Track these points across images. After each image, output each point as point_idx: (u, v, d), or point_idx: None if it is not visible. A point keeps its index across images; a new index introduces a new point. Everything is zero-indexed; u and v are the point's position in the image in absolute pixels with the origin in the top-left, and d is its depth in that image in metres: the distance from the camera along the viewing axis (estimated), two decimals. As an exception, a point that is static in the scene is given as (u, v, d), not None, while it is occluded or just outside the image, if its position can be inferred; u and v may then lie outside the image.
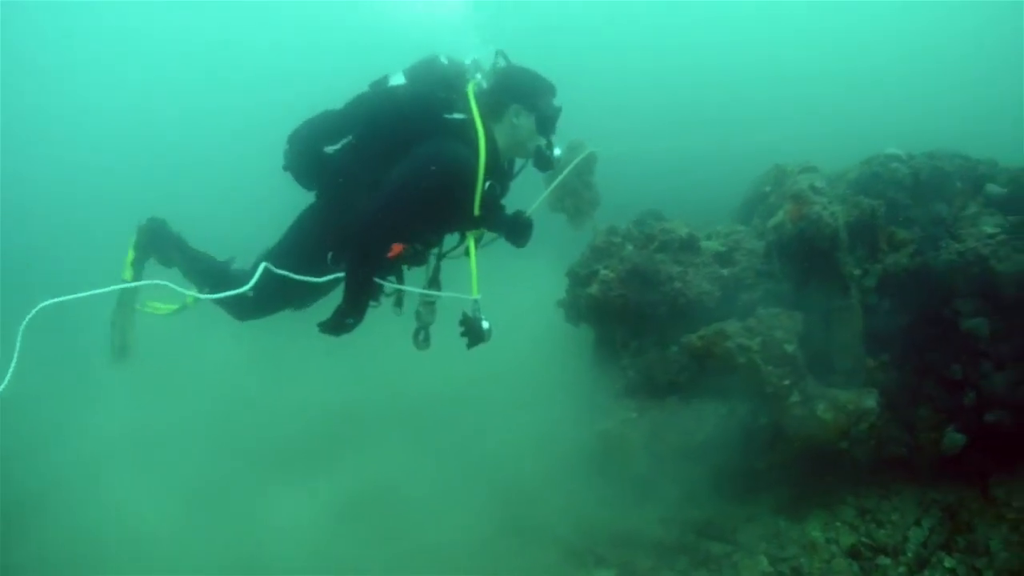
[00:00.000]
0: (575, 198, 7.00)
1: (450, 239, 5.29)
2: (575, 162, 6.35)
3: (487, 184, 4.69)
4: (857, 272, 7.37)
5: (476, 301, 4.94)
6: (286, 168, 5.17)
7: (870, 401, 6.79)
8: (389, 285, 5.10)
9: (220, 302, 5.09)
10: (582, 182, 6.08)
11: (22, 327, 3.80)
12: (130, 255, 5.71)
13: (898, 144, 7.95)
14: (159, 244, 5.71)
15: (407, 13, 5.55)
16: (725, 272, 7.14)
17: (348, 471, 7.20)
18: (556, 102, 5.18)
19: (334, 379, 8.30)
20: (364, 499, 7.08)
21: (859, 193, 7.73)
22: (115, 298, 5.67)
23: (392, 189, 4.60)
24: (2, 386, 3.74)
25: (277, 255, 5.16)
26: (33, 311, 3.87)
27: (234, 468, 7.27)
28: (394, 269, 5.14)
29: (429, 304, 5.38)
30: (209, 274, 5.43)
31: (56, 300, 3.93)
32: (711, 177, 8.77)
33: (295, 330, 5.47)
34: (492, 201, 4.83)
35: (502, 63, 5.19)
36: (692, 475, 7.11)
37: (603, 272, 6.94)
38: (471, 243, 4.95)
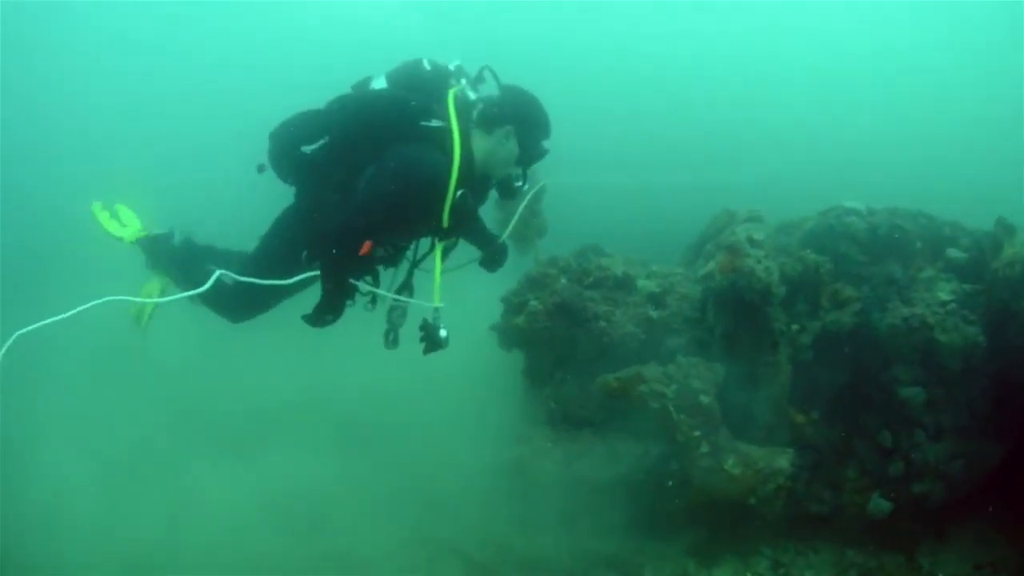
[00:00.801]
0: (521, 225, 5.93)
1: (425, 245, 4.81)
2: (533, 190, 5.29)
3: (459, 193, 4.20)
4: (795, 327, 6.27)
5: (437, 309, 4.49)
6: (270, 164, 4.74)
7: (783, 461, 5.81)
8: (363, 286, 4.65)
9: (211, 307, 4.88)
10: (529, 210, 5.09)
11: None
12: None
13: (863, 195, 6.61)
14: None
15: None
16: (654, 315, 6.24)
17: (278, 464, 6.81)
18: (546, 144, 4.67)
19: (282, 373, 7.61)
20: (288, 493, 6.68)
21: (813, 245, 6.76)
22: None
23: (363, 193, 4.22)
24: None
25: (257, 255, 4.92)
26: (10, 340, 3.57)
27: (167, 447, 6.96)
28: (369, 269, 4.72)
29: (400, 308, 4.90)
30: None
31: (32, 327, 3.63)
32: (680, 211, 7.48)
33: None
34: (463, 211, 4.34)
35: (492, 76, 4.64)
36: (605, 509, 6.46)
37: (532, 303, 6.37)
38: (438, 252, 4.48)
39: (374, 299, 4.85)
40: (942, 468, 6.55)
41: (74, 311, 3.80)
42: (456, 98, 4.44)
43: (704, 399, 6.18)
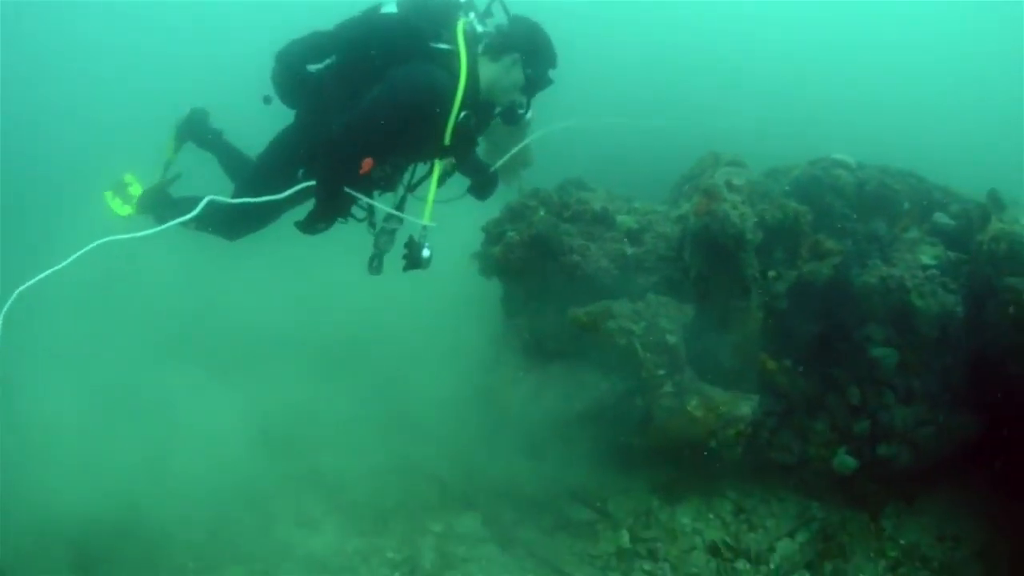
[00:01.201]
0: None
1: (420, 171, 4.91)
2: (538, 134, 5.42)
3: (462, 114, 4.27)
4: (772, 274, 6.17)
5: (425, 228, 4.56)
6: (273, 84, 4.81)
7: (745, 407, 5.85)
8: (362, 200, 4.70)
9: (207, 223, 4.75)
10: (514, 141, 5.17)
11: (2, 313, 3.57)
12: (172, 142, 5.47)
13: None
14: (198, 129, 5.45)
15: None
16: (630, 251, 6.25)
17: (260, 388, 6.95)
18: (552, 74, 4.77)
19: (267, 299, 7.71)
20: (269, 416, 6.88)
21: (798, 194, 6.77)
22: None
23: (367, 103, 4.26)
24: None
25: (253, 172, 4.98)
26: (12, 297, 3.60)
27: (153, 374, 6.98)
28: (365, 188, 4.70)
29: (389, 233, 4.94)
30: (240, 174, 5.13)
31: (33, 281, 3.66)
32: (675, 152, 7.44)
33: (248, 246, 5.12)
34: (465, 132, 4.42)
35: (499, 9, 4.74)
36: (572, 440, 6.54)
37: (510, 234, 6.31)
38: (436, 171, 4.53)
39: (372, 218, 4.93)
40: (910, 433, 6.48)
41: (72, 258, 3.83)
42: (465, 27, 4.55)
43: (671, 339, 6.21)
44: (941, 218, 6.97)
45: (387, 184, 4.82)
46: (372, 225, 4.93)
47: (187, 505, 6.12)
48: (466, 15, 4.70)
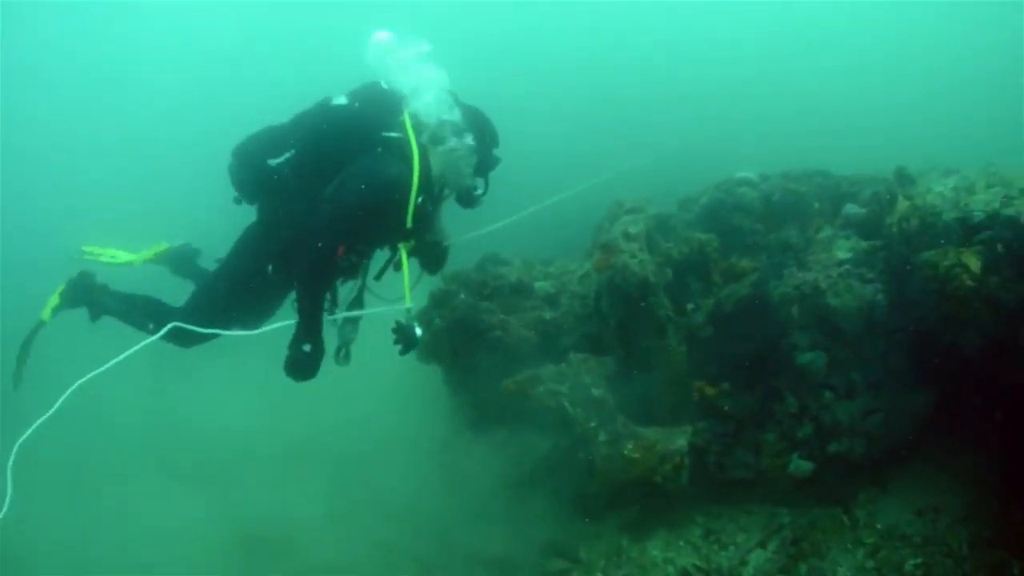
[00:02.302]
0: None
1: (377, 258, 5.04)
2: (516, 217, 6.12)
3: (419, 199, 4.43)
4: (691, 306, 6.13)
5: (409, 309, 4.62)
6: (232, 180, 4.89)
7: (680, 440, 5.89)
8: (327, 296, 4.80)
9: (163, 335, 4.68)
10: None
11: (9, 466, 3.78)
12: (54, 300, 5.30)
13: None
14: (87, 292, 5.30)
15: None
16: (548, 316, 6.19)
17: (239, 494, 7.15)
18: (496, 153, 4.88)
19: (229, 404, 7.81)
20: (253, 519, 6.97)
21: (708, 219, 6.64)
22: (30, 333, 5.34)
23: (335, 201, 4.42)
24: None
25: (220, 277, 5.04)
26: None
27: (132, 488, 7.21)
28: (331, 283, 4.84)
29: (352, 322, 5.08)
30: (150, 311, 5.04)
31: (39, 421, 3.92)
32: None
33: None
34: (423, 215, 4.57)
35: (450, 99, 4.82)
36: (534, 498, 6.59)
37: (436, 322, 6.29)
38: (404, 254, 4.63)
39: (333, 307, 4.97)
40: (858, 425, 6.35)
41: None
42: (411, 117, 4.69)
43: (596, 391, 6.22)
44: (851, 209, 6.78)
45: (352, 273, 4.94)
46: (332, 311, 4.93)
47: None
48: (410, 105, 4.79)
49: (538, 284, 6.91)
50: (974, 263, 5.74)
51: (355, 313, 4.98)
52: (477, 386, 6.71)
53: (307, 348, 4.41)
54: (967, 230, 5.86)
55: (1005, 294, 5.59)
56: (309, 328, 4.41)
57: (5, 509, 3.72)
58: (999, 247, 5.68)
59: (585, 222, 7.60)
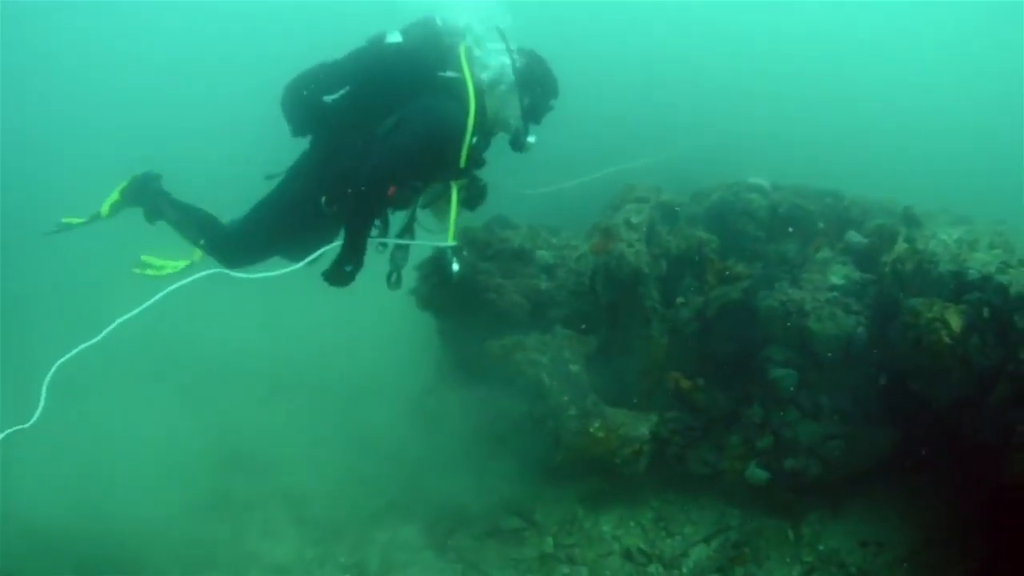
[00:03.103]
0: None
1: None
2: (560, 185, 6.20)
3: (474, 139, 4.30)
4: (680, 300, 6.20)
5: (451, 246, 4.62)
6: (285, 114, 4.77)
7: (643, 428, 5.99)
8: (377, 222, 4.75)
9: (210, 251, 4.78)
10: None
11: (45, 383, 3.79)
12: (115, 196, 5.15)
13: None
14: (149, 195, 5.15)
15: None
16: (544, 286, 6.31)
17: (237, 409, 7.40)
18: (553, 102, 4.74)
19: (230, 326, 7.97)
20: (246, 435, 7.25)
21: (715, 217, 6.65)
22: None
23: (391, 143, 4.28)
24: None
25: (271, 201, 4.93)
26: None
27: (135, 397, 7.36)
28: (383, 212, 4.79)
29: (403, 248, 5.00)
30: (204, 225, 4.95)
31: (74, 352, 3.91)
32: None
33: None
34: (476, 155, 4.46)
35: (500, 37, 4.66)
36: (502, 456, 6.75)
37: (434, 276, 6.35)
38: (454, 191, 4.51)
39: (384, 233, 4.88)
40: (817, 447, 6.41)
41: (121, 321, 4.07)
42: (467, 53, 4.44)
43: (573, 368, 6.36)
44: (853, 237, 6.77)
45: (404, 204, 4.87)
46: (383, 244, 4.89)
47: (168, 517, 6.56)
48: (465, 40, 4.70)
49: (540, 253, 6.98)
50: (955, 322, 5.71)
51: (403, 241, 4.92)
52: (466, 341, 6.84)
53: (348, 268, 4.38)
54: (959, 286, 5.80)
55: (981, 358, 5.54)
56: (353, 253, 4.37)
57: (32, 420, 3.81)
58: (985, 311, 5.60)
59: (600, 199, 7.64)
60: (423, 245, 4.97)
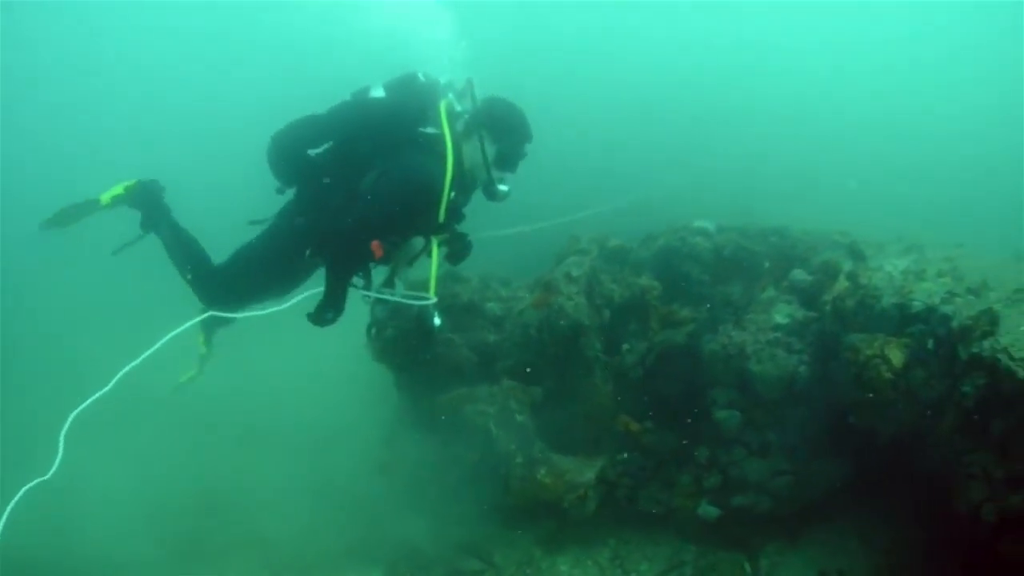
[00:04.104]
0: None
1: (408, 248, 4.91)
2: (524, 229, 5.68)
3: (452, 194, 4.29)
4: (626, 347, 6.08)
5: (432, 302, 4.53)
6: (270, 164, 4.68)
7: (589, 473, 5.82)
8: (356, 282, 4.71)
9: (194, 285, 4.77)
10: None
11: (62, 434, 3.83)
12: (118, 190, 5.05)
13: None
14: (151, 204, 5.07)
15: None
16: (492, 339, 6.17)
17: (211, 458, 7.12)
18: (526, 147, 4.65)
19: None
20: (220, 481, 7.09)
21: (661, 262, 6.37)
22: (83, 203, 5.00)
23: (372, 199, 4.28)
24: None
25: (255, 250, 4.87)
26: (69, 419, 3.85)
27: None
28: (365, 266, 4.72)
29: (383, 303, 4.98)
30: (193, 258, 4.91)
31: (87, 403, 3.96)
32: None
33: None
34: (455, 209, 4.46)
35: (473, 88, 4.63)
36: (459, 502, 6.55)
37: (389, 331, 6.22)
38: (435, 247, 4.46)
39: (368, 285, 4.84)
40: (766, 483, 6.08)
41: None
42: (447, 109, 4.44)
43: (520, 417, 6.14)
44: (798, 275, 6.48)
45: (385, 260, 4.70)
46: (367, 297, 4.83)
47: (152, 558, 6.41)
48: (446, 95, 4.55)
49: (489, 305, 6.62)
50: (896, 356, 5.39)
51: (385, 296, 4.83)
52: (421, 393, 6.57)
53: (330, 316, 4.33)
54: (904, 318, 5.39)
55: (926, 391, 5.18)
56: (333, 302, 4.32)
57: (52, 471, 3.81)
58: (930, 342, 5.23)
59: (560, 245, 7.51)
60: (405, 300, 4.75)
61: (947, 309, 5.10)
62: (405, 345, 6.36)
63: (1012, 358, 4.38)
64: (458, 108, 4.42)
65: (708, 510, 6.00)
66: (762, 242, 6.44)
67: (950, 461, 4.81)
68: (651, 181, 8.48)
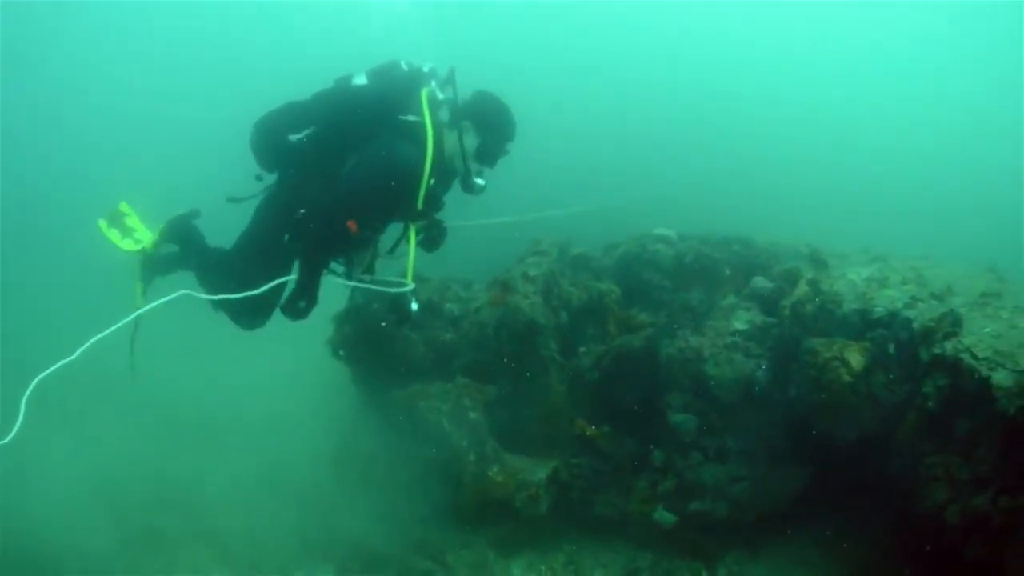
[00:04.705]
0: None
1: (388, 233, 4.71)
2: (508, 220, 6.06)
3: (431, 181, 4.13)
4: (582, 349, 5.86)
5: (410, 288, 4.41)
6: (252, 151, 4.58)
7: (541, 473, 5.52)
8: (336, 269, 4.58)
9: (201, 275, 4.65)
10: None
11: (24, 398, 3.46)
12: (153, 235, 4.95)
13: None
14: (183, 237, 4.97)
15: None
16: (448, 337, 5.96)
17: (167, 452, 6.85)
18: (508, 146, 4.51)
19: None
20: (176, 477, 6.77)
21: (622, 269, 6.16)
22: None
23: (350, 183, 4.16)
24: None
25: (245, 235, 4.73)
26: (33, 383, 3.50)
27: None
28: (346, 252, 4.57)
29: (364, 291, 4.94)
30: (201, 252, 4.91)
31: (54, 367, 3.60)
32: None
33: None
34: (433, 197, 4.30)
35: (455, 77, 4.52)
36: (412, 501, 6.24)
37: (346, 329, 6.05)
38: (412, 233, 4.34)
39: (349, 273, 4.67)
40: (724, 489, 5.76)
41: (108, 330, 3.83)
42: (429, 97, 4.23)
43: (473, 415, 5.82)
44: (759, 282, 6.22)
45: (364, 246, 4.57)
46: (349, 280, 4.65)
47: (107, 548, 6.13)
48: (429, 84, 4.39)
49: (448, 306, 6.33)
50: (856, 359, 5.15)
51: (362, 285, 4.70)
52: (377, 389, 6.27)
53: (302, 304, 4.21)
54: (865, 324, 5.11)
55: (887, 394, 4.92)
56: (306, 290, 4.20)
57: (9, 437, 3.67)
58: (891, 347, 4.98)
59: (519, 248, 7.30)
60: (382, 288, 4.57)
61: (909, 313, 4.83)
62: (364, 340, 6.13)
63: (975, 357, 4.11)
64: (440, 96, 4.30)
65: (664, 516, 5.70)
66: (724, 250, 6.22)
67: (913, 465, 4.54)
68: (622, 188, 8.19)
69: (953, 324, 4.27)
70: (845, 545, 5.47)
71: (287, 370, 6.83)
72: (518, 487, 5.54)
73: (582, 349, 5.77)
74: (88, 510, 6.27)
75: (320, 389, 7.06)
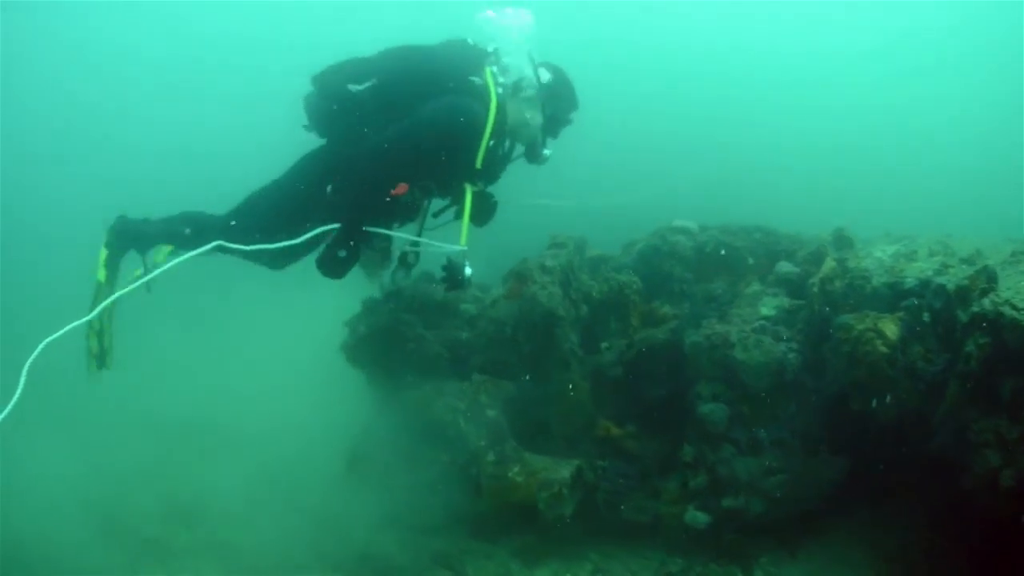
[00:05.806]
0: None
1: (436, 203, 4.56)
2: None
3: (492, 142, 4.04)
4: (605, 344, 5.39)
5: (463, 250, 4.14)
6: (308, 106, 4.35)
7: (565, 472, 5.01)
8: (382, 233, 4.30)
9: (197, 234, 4.24)
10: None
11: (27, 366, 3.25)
12: (103, 254, 4.52)
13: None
14: (132, 235, 4.52)
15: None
16: (464, 336, 5.59)
17: (177, 463, 6.48)
18: (572, 116, 4.55)
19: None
20: (186, 486, 6.40)
21: (643, 263, 5.85)
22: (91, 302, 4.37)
23: (407, 125, 3.99)
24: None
25: (266, 192, 4.48)
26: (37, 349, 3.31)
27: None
28: (389, 217, 4.28)
29: (406, 268, 4.63)
30: (189, 219, 4.49)
31: (58, 334, 3.43)
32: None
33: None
34: (493, 159, 4.18)
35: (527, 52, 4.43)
36: (431, 509, 5.82)
37: (361, 328, 5.84)
38: (468, 194, 4.12)
39: (388, 255, 4.51)
40: (757, 483, 5.32)
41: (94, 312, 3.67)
42: (492, 72, 4.25)
43: (490, 412, 5.41)
44: (784, 267, 5.83)
45: (411, 212, 4.41)
46: (386, 259, 4.52)
47: (110, 562, 5.73)
48: (491, 65, 4.33)
49: (464, 306, 6.15)
50: (891, 330, 4.74)
51: (416, 238, 4.54)
52: (393, 391, 5.95)
53: (342, 254, 4.03)
54: (897, 296, 4.81)
55: (926, 365, 4.56)
56: (349, 236, 4.01)
57: (12, 404, 3.26)
58: (925, 316, 4.63)
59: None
60: (435, 250, 4.40)
61: (942, 279, 4.45)
62: (379, 340, 5.93)
63: (1016, 308, 3.66)
64: (501, 79, 4.24)
65: (696, 516, 5.19)
66: (746, 238, 5.89)
67: (958, 436, 4.00)
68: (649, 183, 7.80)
69: (989, 280, 3.97)
70: (887, 540, 5.09)
71: (299, 374, 6.38)
72: (540, 486, 5.19)
73: (604, 344, 5.35)
74: (91, 523, 6.00)
75: (334, 393, 6.78)
